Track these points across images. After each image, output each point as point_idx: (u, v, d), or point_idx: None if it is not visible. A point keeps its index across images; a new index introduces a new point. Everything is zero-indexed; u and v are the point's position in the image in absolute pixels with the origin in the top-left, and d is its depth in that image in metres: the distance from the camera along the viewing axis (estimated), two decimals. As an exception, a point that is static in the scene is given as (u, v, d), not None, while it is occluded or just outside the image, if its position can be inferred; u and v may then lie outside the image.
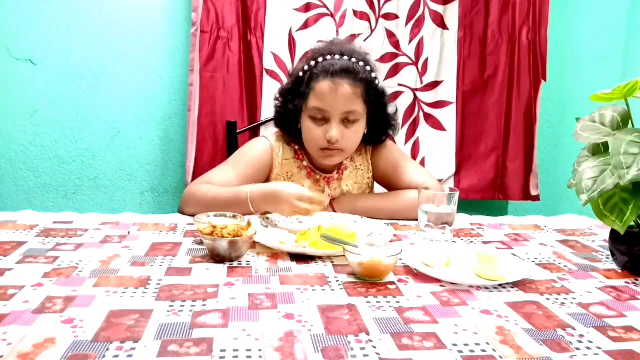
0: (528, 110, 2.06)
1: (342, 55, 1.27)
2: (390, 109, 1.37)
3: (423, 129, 2.08)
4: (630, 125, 0.94)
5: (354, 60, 1.27)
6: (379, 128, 1.36)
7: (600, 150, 0.96)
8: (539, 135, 2.10)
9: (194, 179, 1.83)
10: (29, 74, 1.87)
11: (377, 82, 1.30)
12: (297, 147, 1.37)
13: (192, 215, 1.22)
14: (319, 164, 1.36)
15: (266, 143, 1.36)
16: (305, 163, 1.37)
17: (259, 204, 1.17)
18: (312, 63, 1.28)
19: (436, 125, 2.08)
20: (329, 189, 1.38)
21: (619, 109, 0.96)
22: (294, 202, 1.11)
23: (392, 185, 1.40)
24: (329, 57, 1.27)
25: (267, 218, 1.19)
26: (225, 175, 1.29)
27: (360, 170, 1.41)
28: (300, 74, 1.30)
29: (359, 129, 1.29)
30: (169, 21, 1.92)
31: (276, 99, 1.38)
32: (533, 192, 2.10)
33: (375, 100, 1.30)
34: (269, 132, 1.43)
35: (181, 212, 1.28)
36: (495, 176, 2.10)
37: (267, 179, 1.35)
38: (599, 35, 2.18)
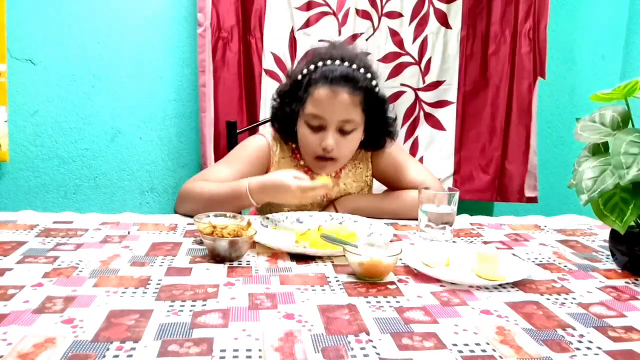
0: (525, 109, 2.06)
1: (342, 60, 1.24)
2: (390, 116, 1.34)
3: (422, 128, 2.07)
4: (630, 125, 0.94)
5: (354, 67, 1.23)
6: (377, 135, 1.34)
7: (600, 150, 0.96)
8: (539, 135, 2.10)
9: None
10: (29, 74, 1.87)
11: (377, 89, 1.28)
12: (293, 146, 1.36)
13: (188, 215, 1.22)
14: None
15: (263, 141, 1.35)
16: (302, 162, 1.36)
17: (260, 196, 1.17)
18: (312, 67, 1.25)
19: (436, 124, 2.07)
20: None
21: (619, 109, 0.96)
22: (298, 193, 1.11)
23: (393, 183, 1.40)
24: (329, 61, 1.24)
25: (267, 218, 1.20)
26: (222, 172, 1.28)
27: (359, 168, 1.40)
28: (299, 77, 1.27)
29: (355, 137, 1.27)
30: (169, 21, 1.92)
31: (274, 99, 1.36)
32: (528, 194, 2.07)
33: (374, 108, 1.28)
34: (267, 130, 1.40)
35: (177, 210, 1.27)
36: (494, 177, 2.09)
37: (266, 173, 1.34)
38: (599, 35, 2.18)
